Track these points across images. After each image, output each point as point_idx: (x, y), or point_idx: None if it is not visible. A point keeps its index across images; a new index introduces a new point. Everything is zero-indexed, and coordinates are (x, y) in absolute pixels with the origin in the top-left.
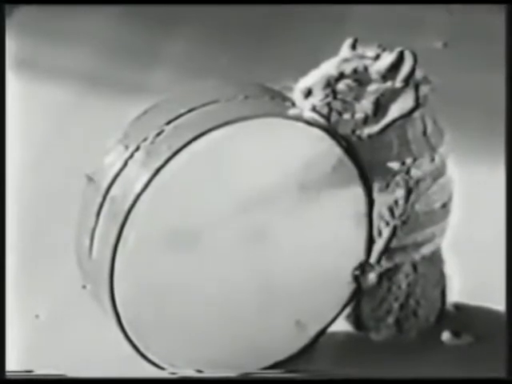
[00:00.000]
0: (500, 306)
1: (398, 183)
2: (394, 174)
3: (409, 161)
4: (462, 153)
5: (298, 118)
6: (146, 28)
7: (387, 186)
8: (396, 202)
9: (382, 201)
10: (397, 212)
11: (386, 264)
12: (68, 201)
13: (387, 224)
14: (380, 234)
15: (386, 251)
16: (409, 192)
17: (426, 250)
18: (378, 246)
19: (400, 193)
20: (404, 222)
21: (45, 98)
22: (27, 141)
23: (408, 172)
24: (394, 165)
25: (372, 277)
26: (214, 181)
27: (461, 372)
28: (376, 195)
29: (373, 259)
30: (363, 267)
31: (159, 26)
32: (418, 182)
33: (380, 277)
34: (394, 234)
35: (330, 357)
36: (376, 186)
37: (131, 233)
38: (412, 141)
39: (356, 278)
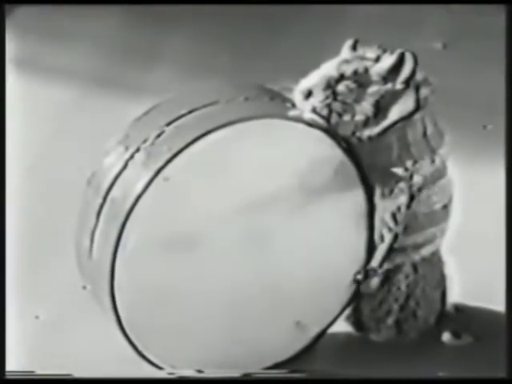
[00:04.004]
0: (500, 306)
1: (402, 190)
2: (398, 180)
3: (411, 165)
4: (462, 154)
5: (298, 120)
6: (146, 28)
7: (391, 192)
8: (399, 209)
9: (385, 207)
10: (399, 218)
11: (386, 265)
12: (68, 201)
13: (390, 230)
14: (382, 239)
15: (388, 256)
16: (411, 199)
17: (426, 251)
18: (381, 251)
19: (403, 199)
20: (405, 228)
21: (45, 98)
22: (27, 141)
23: (411, 178)
24: (397, 170)
25: (374, 282)
26: (214, 182)
27: (461, 372)
28: (379, 201)
29: (375, 264)
30: (366, 272)
31: (159, 26)
32: (420, 188)
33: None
34: (395, 239)
35: (330, 357)
36: (378, 191)
37: (131, 234)
38: (412, 143)
39: (358, 283)
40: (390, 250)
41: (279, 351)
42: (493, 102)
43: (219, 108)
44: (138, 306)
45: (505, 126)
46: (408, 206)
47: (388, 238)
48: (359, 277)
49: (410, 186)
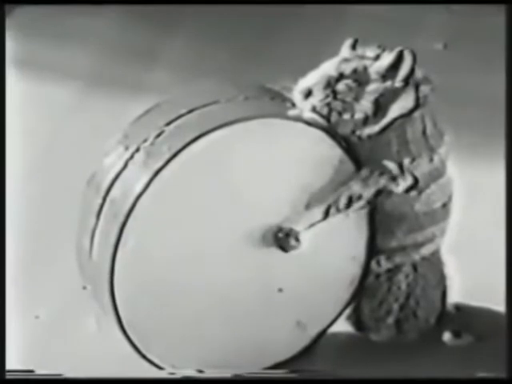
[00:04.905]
0: (500, 305)
1: (376, 182)
2: (381, 172)
3: (408, 163)
4: (461, 153)
5: (298, 119)
6: (146, 28)
7: (366, 178)
8: (359, 197)
9: (350, 186)
10: (353, 205)
11: (386, 264)
12: (68, 201)
13: (338, 210)
14: (327, 213)
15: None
16: (376, 195)
17: (426, 250)
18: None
19: (369, 192)
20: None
21: (45, 98)
22: (27, 141)
23: (394, 179)
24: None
25: (293, 243)
26: (214, 181)
27: (461, 372)
28: (355, 182)
29: (304, 232)
30: (289, 232)
31: (159, 26)
32: (391, 192)
33: (380, 277)
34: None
35: (331, 357)
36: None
37: (131, 234)
38: (411, 141)
39: (278, 240)
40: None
41: (279, 351)
42: (493, 101)
43: (219, 107)
44: (139, 306)
45: (505, 125)
46: (369, 200)
47: (331, 213)
48: (280, 235)
49: (385, 185)
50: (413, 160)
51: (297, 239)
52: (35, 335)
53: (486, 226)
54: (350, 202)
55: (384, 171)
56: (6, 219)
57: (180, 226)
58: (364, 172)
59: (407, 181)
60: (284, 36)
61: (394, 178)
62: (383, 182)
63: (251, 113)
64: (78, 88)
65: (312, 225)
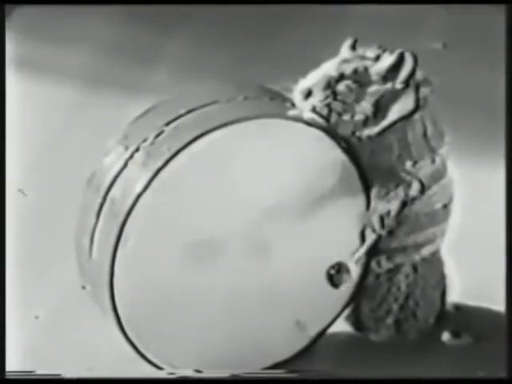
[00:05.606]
0: (500, 306)
1: (397, 195)
2: (397, 183)
3: (411, 166)
4: (462, 153)
5: (298, 119)
6: (146, 28)
7: (386, 194)
8: (388, 213)
9: (375, 207)
10: (386, 222)
11: (386, 265)
12: (68, 201)
13: (373, 231)
14: (363, 238)
15: (366, 256)
16: (403, 205)
17: (426, 250)
18: (360, 251)
19: (395, 204)
20: (390, 233)
21: (45, 98)
22: (27, 141)
23: (409, 185)
24: (400, 174)
25: (346, 278)
26: (213, 181)
27: (461, 372)
28: (372, 200)
29: (351, 262)
30: (339, 267)
31: (159, 26)
32: (414, 199)
33: (380, 277)
34: (378, 241)
35: (330, 357)
36: (374, 190)
37: (131, 233)
38: (412, 143)
39: (330, 277)
40: (371, 251)
41: (279, 351)
42: (493, 101)
43: (219, 108)
44: (138, 305)
45: (505, 126)
46: (399, 213)
47: (370, 238)
48: (332, 272)
49: (407, 194)
50: (415, 163)
51: (347, 271)
52: (35, 335)
53: (486, 227)
54: (382, 222)
55: (398, 182)
56: (5, 219)
57: (180, 226)
58: (379, 189)
59: (415, 187)
60: (284, 36)
61: (409, 185)
62: (402, 192)
63: (251, 113)
64: (77, 88)
65: (354, 253)
